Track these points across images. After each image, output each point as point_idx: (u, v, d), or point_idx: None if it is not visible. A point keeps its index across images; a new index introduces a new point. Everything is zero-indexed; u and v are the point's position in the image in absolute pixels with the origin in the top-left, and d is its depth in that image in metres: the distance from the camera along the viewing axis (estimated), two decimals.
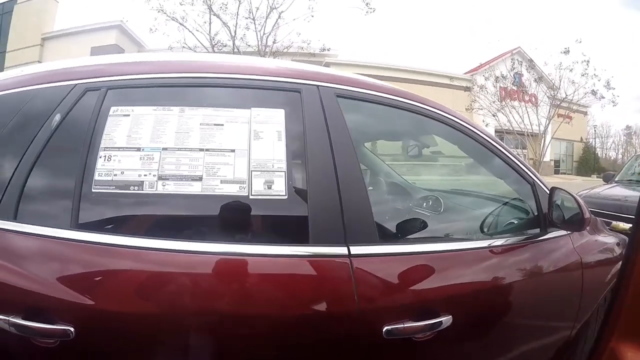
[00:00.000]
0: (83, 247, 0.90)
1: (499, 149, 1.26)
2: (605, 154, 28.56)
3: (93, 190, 0.94)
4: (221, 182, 0.94)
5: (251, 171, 0.96)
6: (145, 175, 0.94)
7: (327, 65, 12.37)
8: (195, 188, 0.93)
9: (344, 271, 0.92)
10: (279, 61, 1.20)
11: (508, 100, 16.91)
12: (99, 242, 0.90)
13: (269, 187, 0.95)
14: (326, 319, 0.92)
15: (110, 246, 0.90)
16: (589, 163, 23.84)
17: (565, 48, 15.54)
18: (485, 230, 1.26)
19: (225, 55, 1.19)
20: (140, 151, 0.96)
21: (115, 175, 0.95)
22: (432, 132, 1.46)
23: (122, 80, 1.05)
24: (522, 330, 1.19)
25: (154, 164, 0.95)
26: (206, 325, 0.90)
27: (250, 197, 0.94)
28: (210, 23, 11.86)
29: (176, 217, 0.97)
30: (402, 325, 0.93)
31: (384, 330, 0.91)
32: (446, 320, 0.96)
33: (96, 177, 0.94)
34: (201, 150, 0.97)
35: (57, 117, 1.01)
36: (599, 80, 15.52)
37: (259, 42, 11.70)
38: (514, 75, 17.03)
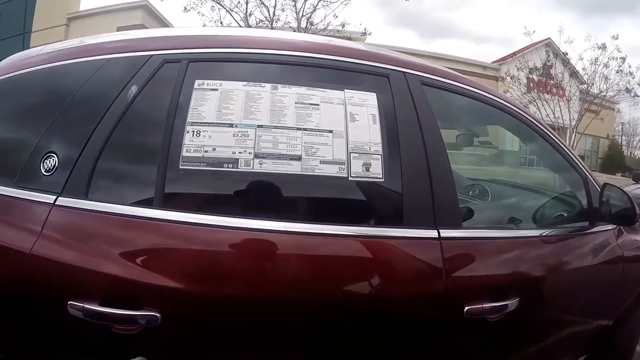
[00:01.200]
0: (171, 228, 0.85)
1: (558, 143, 1.31)
2: (631, 153, 27.68)
3: (181, 167, 0.89)
4: (321, 162, 0.91)
5: (350, 153, 0.93)
6: (240, 152, 0.90)
7: None
8: (294, 167, 0.90)
9: (435, 253, 0.94)
10: (366, 45, 1.18)
11: (539, 93, 16.47)
12: (189, 222, 0.85)
13: (367, 170, 0.93)
14: (418, 297, 0.93)
15: (202, 226, 0.85)
16: (614, 160, 23.20)
17: (602, 44, 15.00)
18: (537, 220, 1.33)
19: (312, 36, 1.16)
20: (234, 127, 0.92)
21: (206, 151, 0.90)
22: (499, 124, 1.49)
23: (205, 53, 1.01)
24: (569, 315, 1.26)
25: (249, 142, 0.91)
26: (304, 307, 0.87)
27: (350, 178, 0.92)
28: (247, 2, 11.69)
29: (273, 197, 0.93)
30: (481, 306, 0.96)
31: (465, 309, 0.94)
32: (513, 303, 1.01)
33: (184, 153, 0.89)
34: (299, 129, 0.93)
35: (133, 89, 0.95)
36: (633, 78, 15.01)
37: (298, 24, 11.52)
38: (544, 67, 16.49)
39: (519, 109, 1.26)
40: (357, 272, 0.91)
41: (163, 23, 13.59)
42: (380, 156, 0.95)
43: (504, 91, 16.43)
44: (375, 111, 0.99)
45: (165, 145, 0.91)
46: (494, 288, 1.01)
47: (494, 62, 20.05)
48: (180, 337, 0.85)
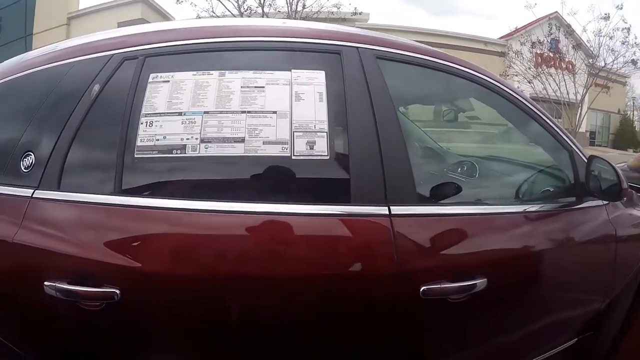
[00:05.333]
0: (128, 212, 0.92)
1: (538, 114, 1.21)
2: None
3: (136, 156, 0.95)
4: (263, 143, 0.93)
5: (293, 132, 0.94)
6: (187, 138, 0.94)
7: None
8: (237, 150, 0.92)
9: (385, 231, 0.92)
10: (317, 23, 1.17)
11: (544, 67, 15.88)
12: (143, 206, 0.92)
13: (311, 148, 0.93)
14: (366, 277, 0.92)
15: (154, 209, 0.91)
16: (625, 136, 22.53)
17: (605, 13, 14.50)
18: (521, 196, 1.23)
19: (262, 19, 1.17)
20: (182, 115, 0.96)
21: (158, 140, 0.95)
22: (471, 96, 1.42)
23: (159, 47, 1.05)
24: (553, 297, 1.17)
25: (196, 128, 0.95)
26: (246, 285, 0.90)
27: (293, 157, 0.92)
28: None
29: (219, 179, 0.97)
30: (439, 286, 0.92)
31: (421, 290, 0.91)
32: (481, 283, 0.95)
33: (138, 143, 0.95)
34: (243, 112, 0.95)
35: (96, 88, 1.02)
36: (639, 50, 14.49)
37: (289, 8, 11.41)
38: (550, 41, 16.00)
39: (493, 78, 1.18)
40: (304, 251, 0.92)
41: (163, 15, 13.66)
42: (325, 134, 0.94)
43: (507, 67, 16.00)
44: (323, 89, 0.98)
45: (122, 136, 0.97)
46: (455, 268, 0.96)
47: (500, 37, 19.13)
48: (139, 314, 0.92)
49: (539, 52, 16.10)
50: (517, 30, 17.95)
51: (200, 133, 0.94)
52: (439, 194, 1.13)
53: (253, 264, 0.90)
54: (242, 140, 0.93)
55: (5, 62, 1.31)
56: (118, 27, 1.27)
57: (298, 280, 0.90)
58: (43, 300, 0.91)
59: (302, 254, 0.92)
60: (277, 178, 0.95)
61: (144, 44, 1.06)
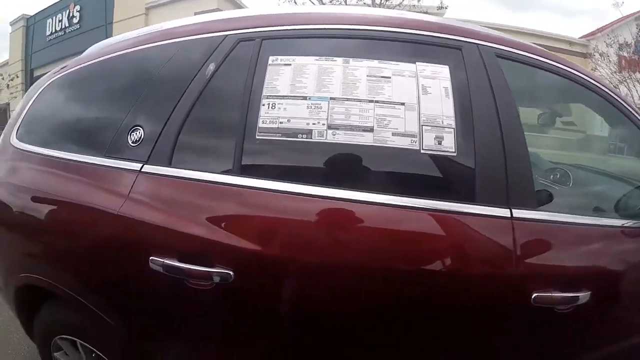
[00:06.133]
0: (249, 193, 0.91)
1: None
2: None
3: (257, 137, 0.93)
4: (392, 134, 0.91)
5: (422, 125, 0.92)
6: (313, 123, 0.92)
7: None
8: (366, 139, 0.91)
9: (506, 233, 0.90)
10: (438, 17, 1.15)
11: (631, 72, 14.08)
12: (265, 188, 0.90)
13: (439, 143, 0.92)
14: (483, 277, 0.90)
15: (277, 192, 0.90)
16: None
17: None
18: (620, 210, 1.16)
19: (383, 10, 1.15)
20: (307, 100, 0.95)
21: (281, 122, 0.93)
22: (580, 102, 1.39)
23: (278, 30, 1.04)
24: None
25: (322, 113, 0.93)
26: (365, 276, 0.89)
27: (422, 151, 0.91)
28: None
29: (345, 167, 0.95)
30: (549, 295, 0.90)
31: (532, 297, 0.89)
32: (585, 296, 0.93)
33: (260, 124, 0.94)
34: (370, 101, 0.94)
35: (212, 67, 1.02)
36: None
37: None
38: (637, 42, 14.08)
39: (606, 87, 1.16)
40: (426, 245, 0.91)
41: (238, 6, 13.78)
42: (453, 130, 0.93)
43: (591, 69, 14.34)
44: (448, 84, 0.97)
45: (242, 117, 0.96)
46: (565, 277, 0.94)
47: (581, 37, 17.66)
48: (251, 296, 0.91)
49: (627, 55, 14.36)
50: (600, 29, 16.56)
51: (327, 119, 0.93)
52: (542, 200, 1.10)
53: (376, 256, 0.88)
54: (371, 129, 0.92)
55: (110, 38, 1.34)
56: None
57: (412, 275, 0.89)
58: (145, 274, 0.91)
59: (424, 248, 0.90)
60: (405, 171, 0.94)
61: (260, 26, 1.05)
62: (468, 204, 0.91)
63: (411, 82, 0.97)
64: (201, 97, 1.00)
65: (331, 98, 0.95)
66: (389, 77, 0.97)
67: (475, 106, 0.96)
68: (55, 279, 1.08)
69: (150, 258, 0.90)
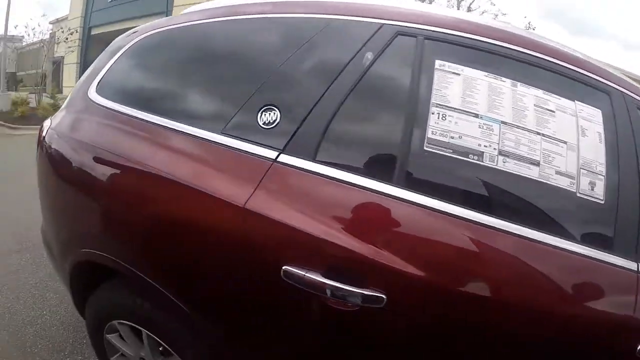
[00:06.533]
0: (419, 212, 0.83)
1: None
2: None
3: (425, 148, 0.86)
4: (556, 172, 0.90)
5: (580, 168, 0.92)
6: (485, 146, 0.87)
7: None
8: (532, 172, 0.88)
9: (632, 287, 0.92)
10: (591, 57, 1.13)
11: None
12: (431, 207, 0.83)
13: (592, 189, 0.92)
14: (602, 324, 0.90)
15: (444, 214, 0.83)
16: None
17: None
18: None
19: (547, 38, 1.10)
20: (478, 118, 0.89)
21: (452, 138, 0.87)
22: None
23: (444, 33, 0.96)
24: None
25: (494, 136, 0.88)
26: (515, 312, 0.85)
27: (578, 194, 0.91)
28: None
29: (507, 198, 0.91)
30: None
31: (638, 349, 0.91)
32: None
33: (429, 135, 0.86)
34: (538, 133, 0.91)
35: (369, 56, 0.91)
36: None
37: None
38: None
39: None
40: (559, 283, 0.89)
41: None
42: (603, 177, 0.94)
43: None
44: (601, 129, 0.97)
45: (407, 122, 0.88)
46: None
47: None
48: (400, 323, 0.84)
49: None
50: None
51: (498, 143, 0.88)
52: None
53: (516, 289, 0.86)
54: (538, 163, 0.89)
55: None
56: None
57: (536, 309, 0.87)
58: (268, 281, 0.82)
59: (555, 286, 0.89)
60: (561, 211, 0.92)
61: (424, 24, 0.96)
62: (601, 251, 0.92)
63: (571, 121, 0.95)
64: (357, 88, 0.89)
65: (502, 122, 0.91)
66: (554, 112, 0.95)
67: (622, 157, 0.98)
68: (132, 263, 0.92)
69: (284, 268, 0.80)
